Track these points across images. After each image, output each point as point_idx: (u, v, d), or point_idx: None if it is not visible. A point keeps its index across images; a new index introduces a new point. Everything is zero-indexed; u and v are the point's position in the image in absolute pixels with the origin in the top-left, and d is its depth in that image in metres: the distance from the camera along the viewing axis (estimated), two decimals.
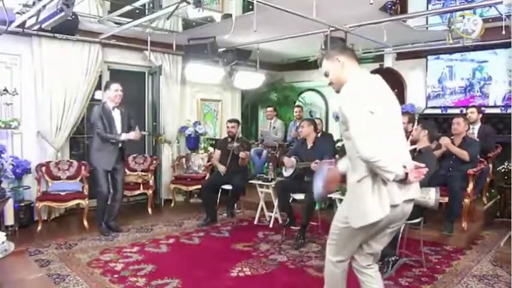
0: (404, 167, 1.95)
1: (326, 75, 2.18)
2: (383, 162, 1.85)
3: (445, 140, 4.42)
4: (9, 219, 4.33)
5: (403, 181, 1.96)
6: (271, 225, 4.84)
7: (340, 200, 4.07)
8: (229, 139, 5.12)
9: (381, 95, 2.05)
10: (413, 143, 3.77)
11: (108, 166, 4.34)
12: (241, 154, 4.86)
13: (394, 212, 1.99)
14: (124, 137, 4.33)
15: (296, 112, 7.03)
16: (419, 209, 3.38)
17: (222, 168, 5.00)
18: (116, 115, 4.39)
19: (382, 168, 1.86)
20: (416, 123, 4.66)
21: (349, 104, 1.96)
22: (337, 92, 2.14)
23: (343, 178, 2.21)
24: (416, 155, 3.60)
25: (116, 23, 5.17)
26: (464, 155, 4.30)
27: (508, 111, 5.58)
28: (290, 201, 4.51)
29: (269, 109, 7.16)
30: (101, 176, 4.35)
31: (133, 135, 4.37)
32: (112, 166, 4.37)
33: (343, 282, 2.27)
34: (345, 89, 2.03)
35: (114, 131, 4.34)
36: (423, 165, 2.03)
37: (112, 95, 4.34)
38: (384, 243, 2.20)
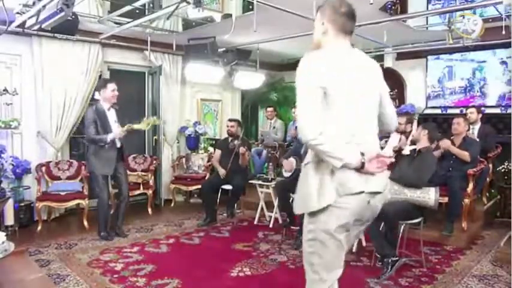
0: (362, 154, 1.70)
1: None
2: (327, 147, 1.64)
3: (445, 143, 4.40)
4: (9, 219, 4.33)
5: (359, 170, 1.71)
6: (271, 225, 4.84)
7: None
8: (230, 138, 5.14)
9: (349, 72, 1.76)
10: (413, 143, 3.77)
11: (106, 171, 4.18)
12: (241, 149, 4.86)
13: (358, 202, 1.73)
14: (110, 136, 4.09)
15: (294, 113, 7.04)
16: (419, 209, 3.40)
17: (221, 172, 4.99)
18: (111, 115, 4.23)
19: (327, 153, 1.65)
20: (416, 124, 4.67)
21: (300, 76, 1.78)
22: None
23: None
24: (416, 155, 3.61)
25: (116, 23, 5.18)
26: (465, 155, 4.30)
27: (508, 111, 5.58)
28: (290, 201, 4.50)
29: (269, 109, 7.17)
30: (100, 182, 4.19)
31: (118, 132, 4.12)
32: (111, 170, 4.20)
33: None
34: (303, 59, 1.81)
35: (110, 131, 4.15)
36: (387, 154, 1.82)
37: (109, 95, 4.17)
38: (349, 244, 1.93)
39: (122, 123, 4.24)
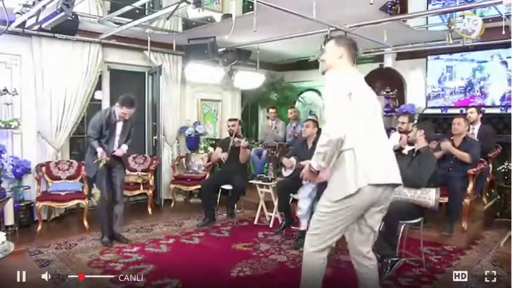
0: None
1: (324, 50, 2.48)
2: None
3: (446, 145, 4.39)
4: (9, 219, 4.32)
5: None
6: (271, 225, 4.83)
7: None
8: (230, 137, 5.14)
9: (360, 95, 2.23)
10: (410, 143, 3.77)
11: (97, 167, 4.05)
12: (243, 143, 4.85)
13: (376, 193, 2.15)
14: (99, 151, 4.00)
15: (291, 114, 6.98)
16: (419, 209, 3.39)
17: (223, 155, 4.94)
18: (119, 125, 4.15)
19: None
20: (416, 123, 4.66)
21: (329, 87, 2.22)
22: (323, 72, 2.45)
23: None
24: (415, 155, 3.60)
25: (116, 23, 5.17)
26: (465, 157, 4.28)
27: (508, 111, 5.58)
28: (290, 201, 4.50)
29: (271, 110, 7.13)
30: (99, 182, 4.12)
31: (102, 155, 4.00)
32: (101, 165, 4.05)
33: (322, 274, 2.31)
34: (329, 74, 2.30)
35: (111, 141, 4.11)
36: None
37: (118, 112, 4.05)
38: (375, 224, 2.30)
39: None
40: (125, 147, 4.22)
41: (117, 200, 4.28)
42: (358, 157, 2.12)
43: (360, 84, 2.29)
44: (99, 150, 4.01)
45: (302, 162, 2.45)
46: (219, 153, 5.07)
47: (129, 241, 4.22)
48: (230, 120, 5.25)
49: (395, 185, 2.29)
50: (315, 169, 2.25)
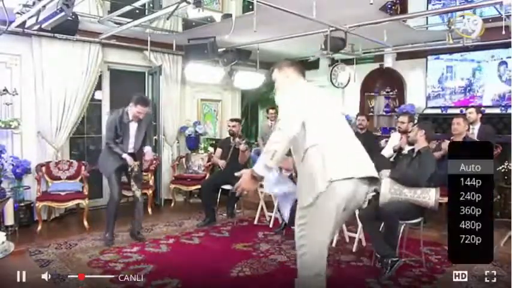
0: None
1: (274, 81, 2.48)
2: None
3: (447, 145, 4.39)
4: (9, 219, 4.32)
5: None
6: (271, 225, 4.83)
7: None
8: (231, 138, 5.15)
9: (316, 98, 2.29)
10: (410, 144, 3.77)
11: (116, 164, 4.07)
12: (242, 147, 4.87)
13: (349, 189, 2.07)
14: (124, 156, 4.02)
15: None
16: (419, 209, 3.39)
17: (221, 163, 5.04)
18: (132, 126, 4.12)
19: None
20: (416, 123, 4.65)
21: (283, 96, 2.29)
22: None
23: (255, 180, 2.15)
24: (415, 155, 3.60)
25: (116, 23, 5.17)
26: None
27: (508, 111, 5.58)
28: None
29: (271, 111, 7.09)
30: (112, 181, 4.10)
31: (130, 161, 4.06)
32: (119, 164, 4.09)
33: None
34: (283, 90, 2.39)
35: (125, 142, 4.09)
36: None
37: (133, 112, 4.01)
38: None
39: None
40: (148, 148, 4.20)
41: (138, 197, 4.29)
42: (324, 152, 2.04)
43: (312, 88, 2.42)
44: (129, 158, 4.04)
45: (237, 173, 2.19)
46: (218, 161, 5.14)
47: (143, 239, 4.26)
48: (231, 120, 5.26)
49: (372, 180, 2.18)
50: (259, 174, 2.06)
